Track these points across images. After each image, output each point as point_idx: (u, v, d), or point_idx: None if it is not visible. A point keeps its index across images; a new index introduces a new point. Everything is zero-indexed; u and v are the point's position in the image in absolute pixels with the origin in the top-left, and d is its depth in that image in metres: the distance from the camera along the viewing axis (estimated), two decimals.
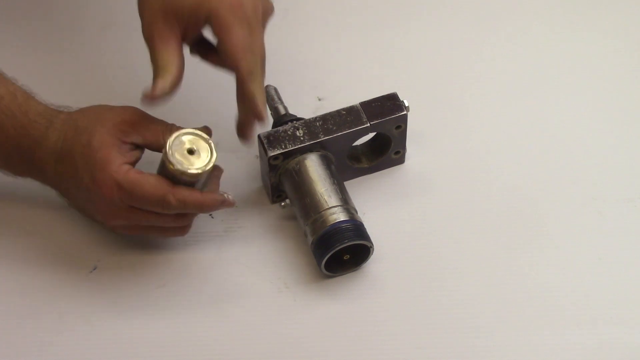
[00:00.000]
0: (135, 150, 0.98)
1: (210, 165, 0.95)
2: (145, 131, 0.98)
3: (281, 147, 1.03)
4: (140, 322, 1.01)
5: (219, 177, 1.01)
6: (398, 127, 1.07)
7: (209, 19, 0.97)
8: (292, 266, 1.04)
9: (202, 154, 0.95)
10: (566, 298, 1.01)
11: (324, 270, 1.02)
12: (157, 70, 0.97)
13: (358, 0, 1.26)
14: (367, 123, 1.05)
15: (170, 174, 0.95)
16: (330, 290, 1.03)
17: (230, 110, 1.15)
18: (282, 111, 1.08)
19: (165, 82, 0.96)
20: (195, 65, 1.19)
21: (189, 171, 0.94)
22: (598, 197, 1.08)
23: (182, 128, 0.97)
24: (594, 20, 1.24)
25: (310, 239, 1.01)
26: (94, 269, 1.04)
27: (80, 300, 1.02)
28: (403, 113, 1.06)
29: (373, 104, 1.06)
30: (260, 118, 0.99)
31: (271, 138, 1.04)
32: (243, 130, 1.01)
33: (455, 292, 1.02)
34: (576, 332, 0.99)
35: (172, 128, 0.99)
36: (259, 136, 1.04)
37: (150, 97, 0.96)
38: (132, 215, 0.97)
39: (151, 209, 0.96)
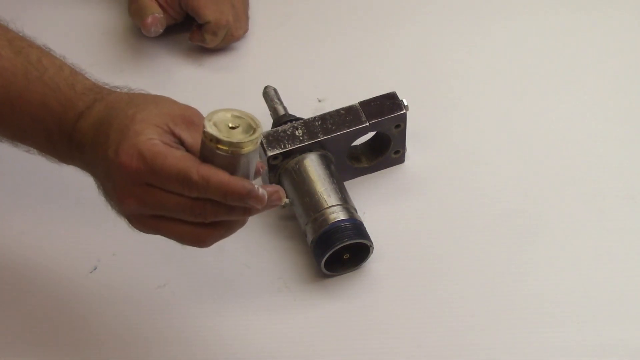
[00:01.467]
0: (173, 142, 0.87)
1: (249, 142, 0.84)
2: (196, 134, 0.88)
3: (280, 147, 1.04)
4: (140, 322, 1.01)
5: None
6: (397, 126, 1.07)
7: None
8: (292, 266, 1.04)
9: (244, 133, 0.84)
10: (567, 296, 1.01)
11: (323, 270, 1.02)
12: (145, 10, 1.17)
13: (357, 1, 1.26)
14: (366, 122, 1.05)
15: (206, 151, 0.85)
16: (330, 290, 1.03)
17: None
18: (282, 111, 1.09)
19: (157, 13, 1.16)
20: (197, 69, 1.20)
21: (222, 138, 0.83)
22: (598, 194, 1.08)
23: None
24: (594, 19, 1.24)
25: (310, 238, 1.01)
26: (94, 269, 1.04)
27: (80, 300, 1.02)
28: (402, 112, 1.06)
29: (372, 103, 1.06)
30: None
31: (270, 138, 1.04)
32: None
33: (455, 291, 1.02)
34: (577, 331, 0.99)
35: None
36: None
37: (146, 25, 1.15)
38: (147, 196, 0.86)
39: (170, 186, 0.85)
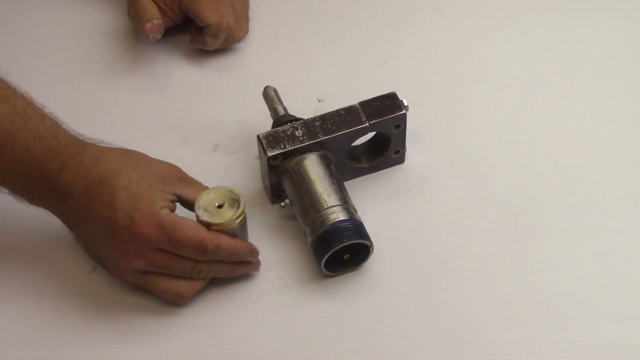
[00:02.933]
0: (173, 202, 0.99)
1: (237, 218, 0.99)
2: (189, 188, 1.00)
3: (280, 147, 1.04)
4: (140, 322, 1.01)
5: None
6: (397, 126, 1.07)
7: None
8: (292, 266, 1.04)
9: (230, 208, 0.99)
10: (566, 296, 1.01)
11: (324, 270, 1.02)
12: (138, 14, 1.16)
13: (358, 1, 1.26)
14: (366, 122, 1.05)
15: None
16: (330, 290, 1.03)
17: (230, 112, 1.16)
18: (282, 111, 1.09)
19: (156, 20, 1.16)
20: (196, 68, 1.20)
21: (214, 222, 0.98)
22: (598, 194, 1.08)
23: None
24: (594, 19, 1.24)
25: (310, 238, 1.01)
26: (94, 269, 1.04)
27: (80, 300, 1.02)
28: (402, 112, 1.06)
29: (372, 104, 1.06)
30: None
31: (270, 138, 1.04)
32: None
33: (456, 291, 1.02)
34: (576, 330, 0.99)
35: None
36: (258, 136, 1.04)
37: (144, 31, 1.15)
38: (156, 258, 0.98)
39: (186, 253, 0.98)
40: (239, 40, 1.21)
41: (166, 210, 0.97)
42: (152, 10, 1.16)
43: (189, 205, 1.00)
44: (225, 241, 0.99)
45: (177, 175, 1.01)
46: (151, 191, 0.97)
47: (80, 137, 1.00)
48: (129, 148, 1.10)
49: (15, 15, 1.26)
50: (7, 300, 1.02)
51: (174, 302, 1.00)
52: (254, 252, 1.01)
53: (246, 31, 1.22)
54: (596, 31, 1.23)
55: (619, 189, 1.08)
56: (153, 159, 1.01)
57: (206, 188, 1.02)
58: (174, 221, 0.96)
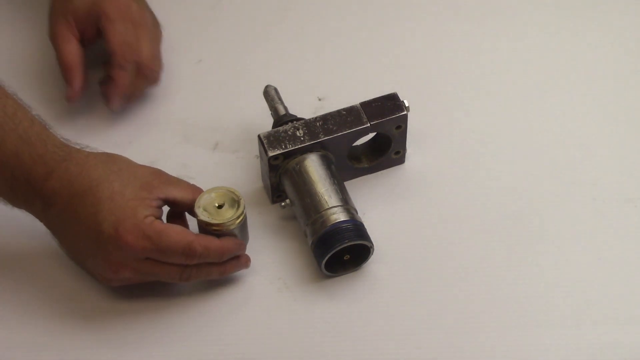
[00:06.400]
0: (159, 208, 0.99)
1: (237, 219, 0.99)
2: (174, 189, 1.00)
3: (281, 147, 1.03)
4: (141, 322, 1.01)
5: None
6: (398, 127, 1.07)
7: (99, 18, 1.12)
8: (292, 266, 1.04)
9: (230, 209, 0.99)
10: (566, 298, 1.01)
11: (324, 270, 1.02)
12: (65, 72, 1.12)
13: (358, 1, 1.26)
14: (367, 123, 1.05)
15: (201, 228, 1.00)
16: (330, 290, 1.03)
17: (230, 111, 1.16)
18: (282, 111, 1.09)
19: (78, 84, 1.12)
20: (196, 67, 1.20)
21: (213, 221, 0.98)
22: (598, 197, 1.08)
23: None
24: (594, 20, 1.24)
25: (310, 239, 1.01)
26: None
27: (81, 300, 1.02)
28: (403, 113, 1.06)
29: (373, 104, 1.06)
30: (107, 104, 1.13)
31: (271, 138, 1.04)
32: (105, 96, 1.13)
33: (455, 292, 1.02)
34: (576, 333, 0.99)
35: (199, 189, 1.01)
36: (259, 136, 1.04)
37: (71, 98, 1.12)
38: (143, 267, 0.97)
39: (174, 259, 0.97)
40: (157, 80, 1.15)
41: (151, 219, 0.96)
42: (68, 48, 1.12)
43: (178, 205, 1.00)
44: (213, 242, 0.98)
45: (161, 179, 1.00)
46: (135, 200, 0.96)
47: (66, 143, 0.99)
48: (129, 146, 1.10)
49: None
50: (4, 302, 1.02)
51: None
52: (241, 245, 1.00)
53: (160, 69, 1.16)
54: (597, 33, 1.23)
55: (619, 193, 1.08)
56: (136, 165, 1.00)
57: (192, 185, 1.01)
58: (159, 229, 0.96)
